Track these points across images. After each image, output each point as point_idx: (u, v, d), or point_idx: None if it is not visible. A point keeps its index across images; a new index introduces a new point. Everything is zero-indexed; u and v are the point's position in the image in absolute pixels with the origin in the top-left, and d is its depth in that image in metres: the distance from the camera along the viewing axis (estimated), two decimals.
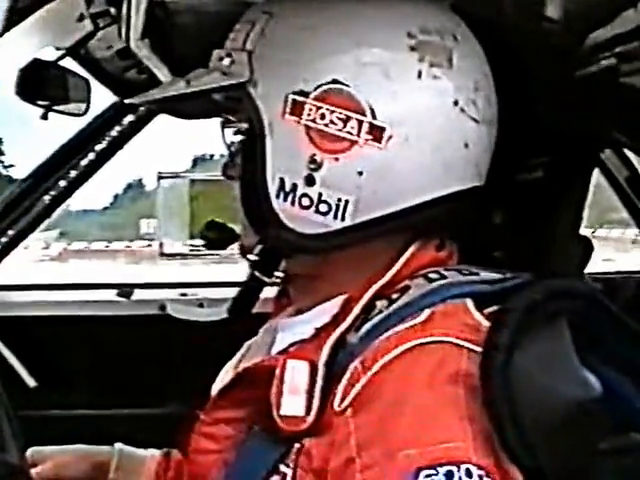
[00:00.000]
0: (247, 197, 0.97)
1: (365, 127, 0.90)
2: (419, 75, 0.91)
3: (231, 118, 1.01)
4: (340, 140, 0.90)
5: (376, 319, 0.89)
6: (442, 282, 0.91)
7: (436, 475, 0.77)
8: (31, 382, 2.40)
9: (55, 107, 1.74)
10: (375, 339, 0.87)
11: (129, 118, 2.41)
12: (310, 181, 0.91)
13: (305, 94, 0.91)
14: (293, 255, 0.97)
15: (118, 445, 1.17)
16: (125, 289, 2.53)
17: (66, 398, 2.45)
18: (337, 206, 0.91)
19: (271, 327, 1.05)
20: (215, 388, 1.02)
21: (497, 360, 0.81)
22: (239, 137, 1.00)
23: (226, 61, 0.96)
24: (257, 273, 0.98)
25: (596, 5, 1.05)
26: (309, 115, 0.91)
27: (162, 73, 1.11)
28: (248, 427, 0.96)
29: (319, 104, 0.91)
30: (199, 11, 1.26)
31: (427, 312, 0.87)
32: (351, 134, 0.90)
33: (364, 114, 0.90)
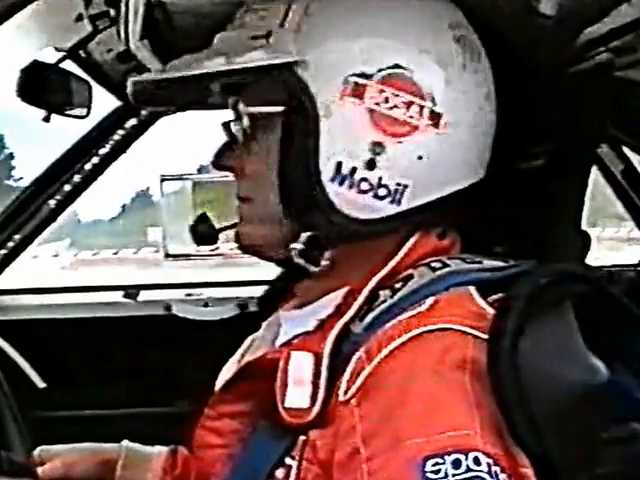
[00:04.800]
0: (289, 182, 0.93)
1: (426, 112, 0.91)
2: (464, 66, 0.93)
3: (239, 105, 0.94)
4: (403, 124, 0.90)
5: (380, 309, 0.88)
6: (445, 270, 0.90)
7: (443, 464, 0.76)
8: (40, 383, 2.42)
9: (57, 110, 1.74)
10: (379, 328, 0.86)
11: (132, 122, 2.42)
12: (371, 165, 0.90)
13: (367, 76, 0.90)
14: (341, 242, 0.93)
15: (125, 443, 1.16)
16: (131, 290, 2.54)
17: (74, 398, 2.46)
18: (396, 191, 0.91)
19: (274, 320, 1.04)
20: (219, 382, 1.02)
21: (504, 346, 0.80)
22: (245, 123, 0.93)
23: (264, 41, 0.92)
24: (303, 262, 0.93)
25: (590, 0, 1.05)
26: (372, 98, 0.90)
27: None
28: (253, 421, 0.95)
29: (382, 87, 0.90)
30: (198, 12, 1.26)
31: (431, 300, 0.86)
32: (413, 118, 0.91)
33: (424, 99, 0.91)
